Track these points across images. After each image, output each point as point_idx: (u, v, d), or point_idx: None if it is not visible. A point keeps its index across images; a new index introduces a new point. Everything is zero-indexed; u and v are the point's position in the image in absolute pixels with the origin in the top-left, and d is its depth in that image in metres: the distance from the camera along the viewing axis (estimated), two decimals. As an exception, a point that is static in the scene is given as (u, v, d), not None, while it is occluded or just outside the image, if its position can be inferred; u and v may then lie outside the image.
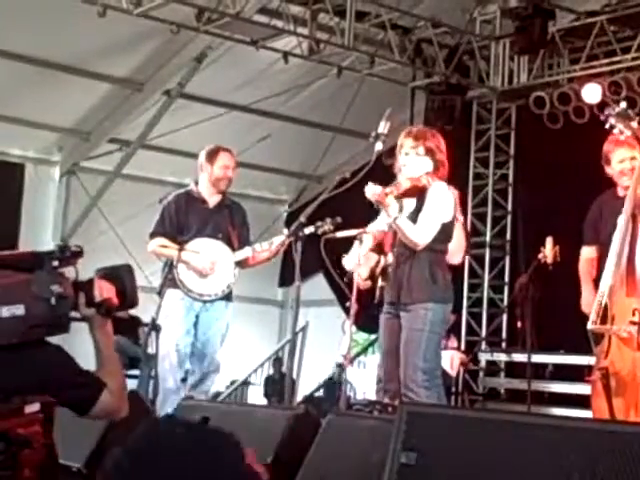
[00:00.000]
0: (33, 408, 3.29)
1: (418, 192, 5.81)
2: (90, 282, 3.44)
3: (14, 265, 3.40)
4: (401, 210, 5.80)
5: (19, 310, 3.25)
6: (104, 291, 3.43)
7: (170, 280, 7.07)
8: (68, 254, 3.43)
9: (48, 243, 11.61)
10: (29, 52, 10.65)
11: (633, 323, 5.25)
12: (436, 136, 5.98)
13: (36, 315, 3.28)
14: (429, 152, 5.84)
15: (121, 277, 3.52)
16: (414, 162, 5.85)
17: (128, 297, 3.52)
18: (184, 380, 7.16)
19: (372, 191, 5.65)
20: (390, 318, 5.87)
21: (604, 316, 5.37)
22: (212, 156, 7.29)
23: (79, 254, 3.46)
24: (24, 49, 10.58)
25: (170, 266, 7.09)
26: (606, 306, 5.37)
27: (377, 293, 6.08)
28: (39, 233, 12.17)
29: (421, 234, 5.73)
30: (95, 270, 3.51)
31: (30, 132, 11.89)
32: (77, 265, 3.46)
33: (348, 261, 6.02)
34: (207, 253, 7.12)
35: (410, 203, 5.84)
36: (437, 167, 5.86)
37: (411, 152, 5.86)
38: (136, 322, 9.76)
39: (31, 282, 3.33)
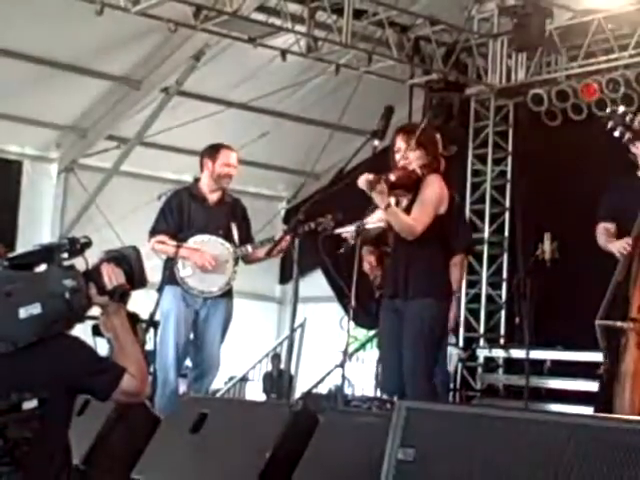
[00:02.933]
0: (31, 405, 3.31)
1: (412, 184, 5.80)
2: (98, 269, 3.47)
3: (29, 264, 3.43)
4: (398, 204, 5.80)
5: (36, 309, 3.29)
6: (113, 277, 3.46)
7: (170, 277, 7.08)
8: (78, 246, 3.46)
9: (46, 240, 11.60)
10: (27, 50, 10.64)
11: (632, 320, 5.25)
12: (428, 130, 5.98)
13: (52, 311, 3.32)
14: (421, 146, 5.84)
15: (128, 258, 3.55)
16: (409, 157, 5.86)
17: (136, 278, 3.55)
18: (183, 376, 7.16)
19: (365, 177, 5.63)
20: (389, 314, 5.87)
21: (613, 308, 5.37)
22: (214, 153, 7.28)
23: (88, 245, 3.50)
24: (22, 47, 10.57)
25: (170, 263, 7.09)
26: (623, 299, 5.38)
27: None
28: (37, 230, 12.15)
29: (414, 223, 5.72)
30: (102, 252, 3.54)
31: (28, 129, 11.88)
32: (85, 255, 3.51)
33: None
34: (207, 250, 7.12)
35: (406, 197, 5.84)
36: (431, 161, 5.86)
37: (403, 147, 5.88)
38: (134, 318, 9.76)
39: (44, 279, 3.36)
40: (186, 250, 7.03)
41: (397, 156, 5.87)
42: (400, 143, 5.88)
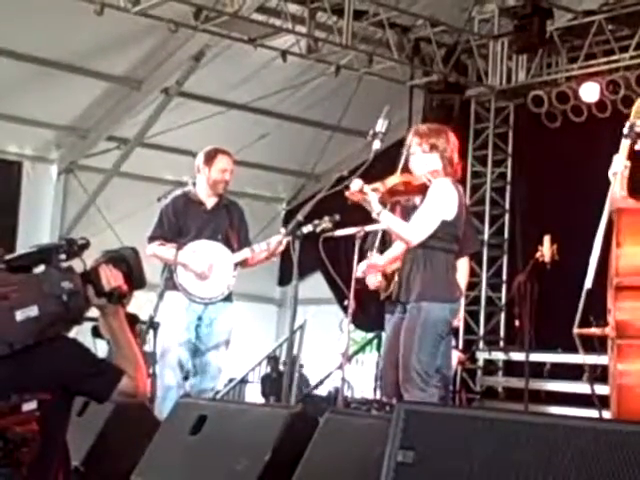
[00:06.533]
0: (30, 406, 3.30)
1: (418, 190, 5.75)
2: (96, 271, 3.44)
3: (26, 265, 3.41)
4: (414, 209, 5.75)
5: (33, 311, 3.27)
6: (112, 279, 3.44)
7: (170, 283, 7.06)
8: (75, 248, 3.44)
9: (46, 241, 11.57)
10: (27, 50, 10.63)
11: (602, 325, 5.24)
12: (444, 133, 5.87)
13: (49, 314, 3.30)
14: (434, 149, 5.75)
15: (126, 259, 3.53)
16: (419, 160, 5.81)
17: (135, 279, 3.53)
18: (186, 379, 7.14)
19: (354, 185, 5.57)
20: (395, 317, 5.82)
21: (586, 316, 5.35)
22: (210, 159, 7.22)
23: (86, 246, 3.48)
24: (22, 47, 10.57)
25: (170, 269, 7.07)
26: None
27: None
28: (37, 231, 12.15)
29: (413, 231, 5.64)
30: (101, 252, 3.52)
31: (28, 130, 11.87)
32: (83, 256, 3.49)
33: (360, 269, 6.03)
34: (204, 255, 7.10)
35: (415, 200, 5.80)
36: (445, 165, 5.76)
37: (417, 150, 5.81)
38: (133, 319, 9.73)
39: (41, 281, 3.34)
40: (184, 256, 7.01)
41: (411, 159, 5.82)
42: (414, 146, 5.83)
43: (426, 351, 5.60)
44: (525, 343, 8.88)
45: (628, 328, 4.95)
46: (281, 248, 6.97)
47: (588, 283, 5.25)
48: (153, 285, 7.08)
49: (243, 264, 7.29)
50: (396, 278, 5.85)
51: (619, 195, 5.27)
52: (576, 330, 5.30)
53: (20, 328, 3.28)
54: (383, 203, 5.71)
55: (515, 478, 3.42)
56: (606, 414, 5.62)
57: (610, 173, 5.32)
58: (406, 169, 5.88)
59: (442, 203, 5.68)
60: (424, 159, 5.77)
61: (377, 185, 5.64)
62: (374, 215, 5.63)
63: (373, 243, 6.27)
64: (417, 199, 5.80)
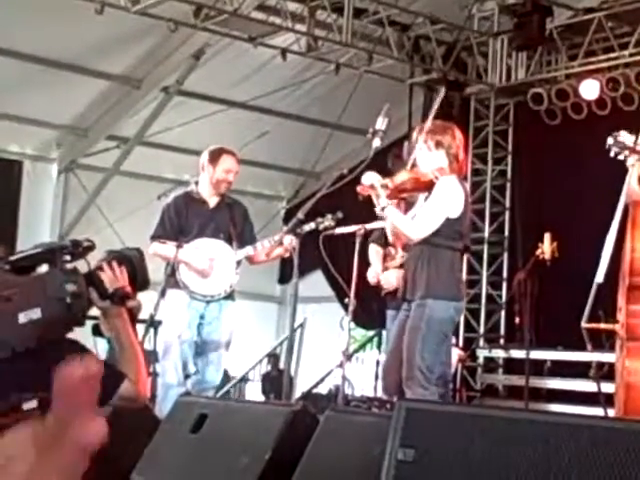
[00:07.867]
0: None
1: (425, 187, 5.76)
2: (99, 273, 3.43)
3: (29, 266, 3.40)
4: (409, 206, 5.77)
5: (36, 314, 3.25)
6: (115, 281, 3.44)
7: (173, 280, 7.06)
8: (80, 249, 3.43)
9: (46, 240, 11.58)
10: (27, 49, 10.63)
11: (612, 321, 5.23)
12: (450, 130, 5.89)
13: (53, 316, 3.28)
14: (440, 146, 5.77)
15: (131, 260, 3.52)
16: (425, 157, 5.80)
17: (139, 280, 3.52)
18: (187, 377, 7.15)
19: (367, 179, 5.58)
20: (400, 315, 5.82)
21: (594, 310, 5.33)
22: (215, 158, 7.23)
23: (91, 248, 3.47)
24: (22, 46, 10.56)
25: (172, 267, 7.07)
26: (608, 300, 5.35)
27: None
28: (37, 230, 12.14)
29: (416, 228, 5.66)
30: (103, 252, 3.51)
31: (28, 129, 11.87)
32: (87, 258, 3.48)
33: (370, 274, 6.03)
34: (206, 253, 7.10)
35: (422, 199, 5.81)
36: (451, 161, 5.78)
37: (423, 147, 5.81)
38: (134, 318, 9.73)
39: (45, 283, 3.32)
40: (186, 254, 7.01)
41: (417, 154, 5.82)
42: (420, 143, 5.83)
43: (430, 349, 5.60)
44: (525, 341, 8.88)
45: (638, 330, 4.95)
46: (279, 251, 6.96)
47: (600, 277, 5.23)
48: (156, 283, 7.11)
49: (250, 260, 7.29)
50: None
51: (637, 187, 5.26)
52: (584, 324, 5.28)
53: (23, 330, 3.27)
54: (389, 199, 5.72)
55: (515, 476, 3.42)
56: (610, 412, 5.63)
57: (629, 164, 5.30)
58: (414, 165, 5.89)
59: (448, 201, 5.69)
60: (430, 156, 5.78)
61: (386, 181, 5.65)
62: (379, 210, 5.63)
63: (378, 236, 6.27)
64: (421, 195, 5.81)
